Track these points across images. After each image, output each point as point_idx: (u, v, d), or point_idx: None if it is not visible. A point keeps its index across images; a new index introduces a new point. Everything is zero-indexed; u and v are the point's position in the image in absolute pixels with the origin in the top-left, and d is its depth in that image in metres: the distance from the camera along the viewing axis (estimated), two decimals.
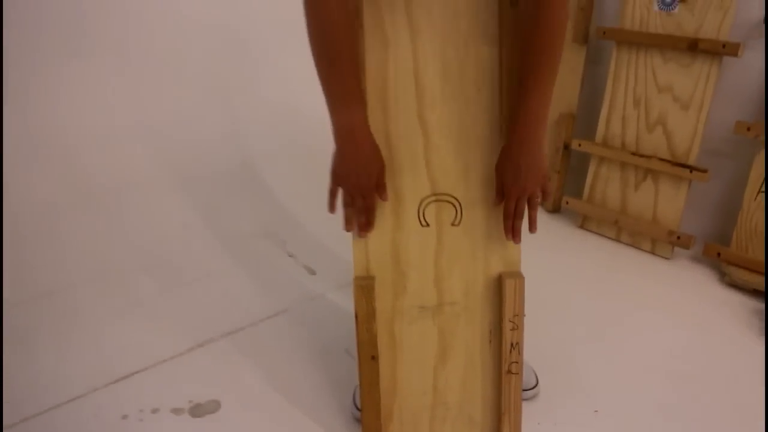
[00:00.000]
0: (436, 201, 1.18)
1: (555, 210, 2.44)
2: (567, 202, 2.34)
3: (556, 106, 2.39)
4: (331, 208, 1.15)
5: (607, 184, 2.25)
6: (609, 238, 2.25)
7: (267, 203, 2.41)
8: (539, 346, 1.54)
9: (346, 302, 1.82)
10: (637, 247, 2.18)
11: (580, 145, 2.28)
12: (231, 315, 1.79)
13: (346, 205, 1.14)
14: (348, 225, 1.16)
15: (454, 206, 1.18)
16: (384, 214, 1.18)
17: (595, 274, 2.05)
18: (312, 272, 2.03)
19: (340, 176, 1.12)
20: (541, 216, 2.38)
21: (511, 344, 1.22)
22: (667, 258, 2.10)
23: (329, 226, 2.07)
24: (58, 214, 2.07)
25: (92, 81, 2.21)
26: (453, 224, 1.19)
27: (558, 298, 1.87)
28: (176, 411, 1.43)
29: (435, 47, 1.13)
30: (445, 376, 1.27)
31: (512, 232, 1.15)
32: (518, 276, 1.20)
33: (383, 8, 1.11)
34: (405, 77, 1.14)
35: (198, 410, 1.43)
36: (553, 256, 2.14)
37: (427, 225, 1.20)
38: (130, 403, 1.46)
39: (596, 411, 1.42)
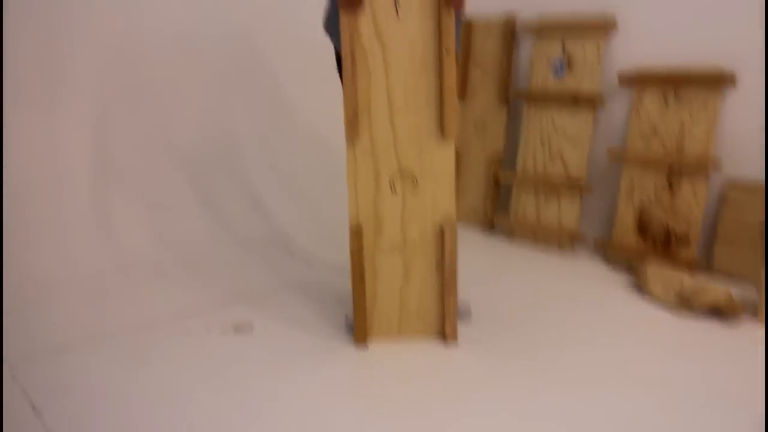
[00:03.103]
0: (401, 175, 1.86)
1: (491, 227, 3.16)
2: (499, 220, 3.07)
3: (488, 149, 3.16)
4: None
5: (525, 204, 3.00)
6: (529, 242, 2.98)
7: (273, 221, 3.13)
8: (480, 300, 2.25)
9: (332, 282, 2.48)
10: (549, 246, 2.90)
11: (505, 176, 3.05)
12: (254, 288, 2.45)
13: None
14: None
15: (413, 179, 1.87)
16: (368, 186, 1.85)
17: (520, 265, 2.75)
18: (309, 265, 2.69)
19: None
20: (480, 232, 3.11)
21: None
22: (569, 252, 2.83)
23: (316, 237, 2.79)
24: (115, 219, 2.71)
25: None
26: (412, 192, 1.87)
27: (496, 278, 2.58)
28: (223, 330, 2.07)
29: (399, 77, 1.84)
30: (407, 292, 1.92)
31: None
32: (453, 225, 1.88)
33: (368, 52, 1.82)
34: (381, 96, 1.84)
35: (238, 329, 2.07)
36: (490, 258, 2.85)
37: (396, 193, 1.87)
38: (195, 327, 2.09)
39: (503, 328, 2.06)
